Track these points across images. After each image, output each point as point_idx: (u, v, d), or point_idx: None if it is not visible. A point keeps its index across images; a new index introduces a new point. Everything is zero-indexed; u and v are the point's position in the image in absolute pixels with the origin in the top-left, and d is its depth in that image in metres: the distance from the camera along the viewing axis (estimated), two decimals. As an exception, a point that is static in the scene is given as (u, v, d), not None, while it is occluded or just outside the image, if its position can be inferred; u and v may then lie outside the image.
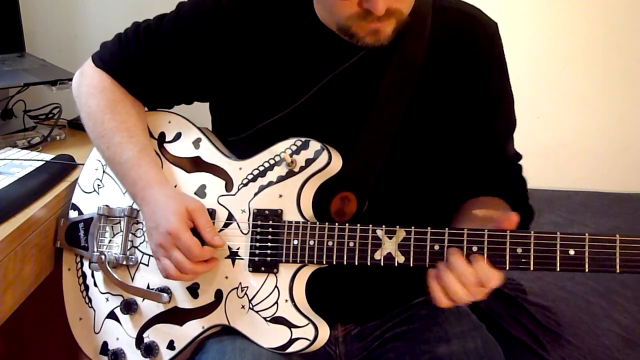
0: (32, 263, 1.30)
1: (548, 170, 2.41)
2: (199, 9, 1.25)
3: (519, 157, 1.34)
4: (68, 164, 1.49)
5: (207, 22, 1.23)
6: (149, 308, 1.26)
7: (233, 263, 1.20)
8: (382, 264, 1.11)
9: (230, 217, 1.21)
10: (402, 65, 1.20)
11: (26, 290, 1.30)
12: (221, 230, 1.21)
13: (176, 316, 1.23)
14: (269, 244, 1.17)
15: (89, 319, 1.32)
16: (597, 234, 1.02)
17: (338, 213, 1.20)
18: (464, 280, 1.05)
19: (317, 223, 1.14)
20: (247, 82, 1.24)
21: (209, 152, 1.26)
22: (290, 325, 1.14)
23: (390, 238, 1.10)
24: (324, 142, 1.16)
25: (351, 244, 1.12)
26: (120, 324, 1.29)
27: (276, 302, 1.16)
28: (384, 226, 1.11)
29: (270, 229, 1.17)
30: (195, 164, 1.27)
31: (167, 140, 1.30)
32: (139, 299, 1.27)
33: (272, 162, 1.19)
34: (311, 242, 1.14)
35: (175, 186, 1.26)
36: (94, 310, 1.32)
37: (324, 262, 1.14)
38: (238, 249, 1.20)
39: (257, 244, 1.18)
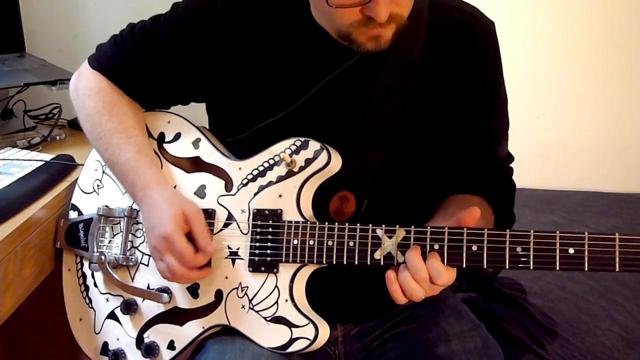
0: (32, 263, 1.30)
1: (548, 170, 2.41)
2: (194, 9, 1.25)
3: (511, 159, 1.34)
4: (68, 164, 1.49)
5: (202, 22, 1.23)
6: (149, 308, 1.26)
7: (233, 263, 1.20)
8: (382, 264, 1.11)
9: (230, 217, 1.21)
10: (398, 64, 1.20)
11: (26, 290, 1.30)
12: (221, 230, 1.21)
13: (176, 316, 1.23)
14: (269, 244, 1.17)
15: (89, 320, 1.32)
16: (597, 233, 1.02)
17: (337, 213, 1.20)
18: (417, 277, 1.06)
19: (317, 223, 1.14)
20: (242, 83, 1.24)
21: (209, 152, 1.26)
22: (290, 325, 1.14)
23: (390, 237, 1.10)
24: (323, 142, 1.16)
25: (351, 244, 1.12)
26: (121, 324, 1.29)
27: (276, 302, 1.16)
28: (383, 226, 1.11)
29: (270, 229, 1.17)
30: (195, 164, 1.27)
31: (166, 140, 1.30)
32: (139, 299, 1.27)
33: (271, 162, 1.19)
34: (311, 242, 1.14)
35: (175, 186, 1.26)
36: (94, 311, 1.32)
37: (324, 262, 1.14)
38: (238, 249, 1.20)
39: (257, 244, 1.18)
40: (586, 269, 1.02)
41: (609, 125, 2.36)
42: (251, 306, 1.17)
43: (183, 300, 1.23)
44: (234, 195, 1.21)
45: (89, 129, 1.29)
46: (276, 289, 1.16)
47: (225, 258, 1.20)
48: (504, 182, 1.33)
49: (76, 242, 1.34)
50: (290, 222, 1.16)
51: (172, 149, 1.29)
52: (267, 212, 1.18)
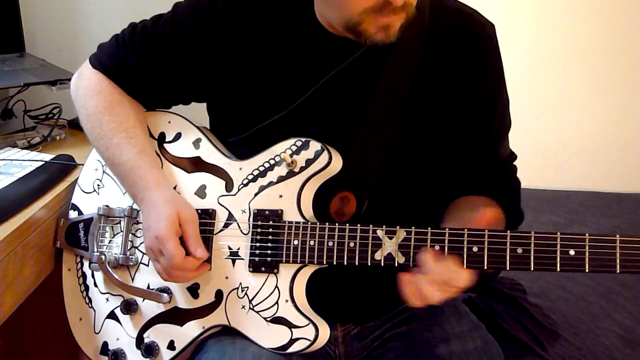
0: (32, 263, 1.30)
1: (548, 170, 2.41)
2: (195, 9, 1.25)
3: (514, 157, 1.34)
4: (68, 164, 1.49)
5: (203, 22, 1.23)
6: (149, 308, 1.26)
7: (233, 263, 1.20)
8: (382, 264, 1.11)
9: (231, 217, 1.21)
10: (399, 64, 1.20)
11: (26, 290, 1.30)
12: (221, 230, 1.21)
13: (176, 316, 1.23)
14: (269, 244, 1.17)
15: (89, 319, 1.32)
16: (597, 234, 1.02)
17: (337, 213, 1.20)
18: (434, 279, 1.05)
19: (318, 223, 1.14)
20: (243, 83, 1.24)
21: (209, 152, 1.26)
22: (290, 326, 1.14)
23: (390, 238, 1.10)
24: (323, 142, 1.16)
25: (351, 244, 1.12)
26: (121, 324, 1.29)
27: (276, 302, 1.16)
28: (384, 226, 1.11)
29: (270, 229, 1.17)
30: (196, 164, 1.27)
31: (167, 140, 1.30)
32: (139, 299, 1.27)
33: (272, 162, 1.19)
34: (311, 243, 1.14)
35: (175, 186, 1.26)
36: (94, 311, 1.32)
37: (324, 263, 1.14)
38: (238, 249, 1.20)
39: (258, 244, 1.18)
40: (587, 270, 1.02)
41: (609, 125, 2.36)
42: (251, 306, 1.17)
43: (183, 300, 1.23)
44: (234, 195, 1.21)
45: (89, 129, 1.29)
46: (276, 289, 1.16)
47: (226, 258, 1.20)
48: (509, 181, 1.32)
49: (76, 242, 1.34)
50: (291, 222, 1.16)
51: (173, 148, 1.29)
52: (267, 212, 1.18)
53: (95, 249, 1.30)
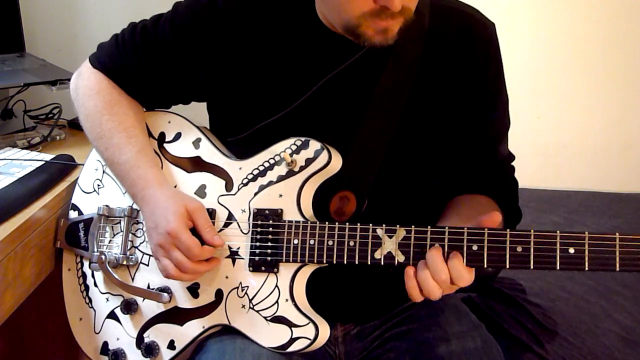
0: (32, 263, 1.30)
1: (548, 170, 2.41)
2: (195, 8, 1.25)
3: (512, 158, 1.34)
4: (68, 164, 1.49)
5: (203, 21, 1.23)
6: (150, 308, 1.26)
7: (233, 263, 1.20)
8: (382, 263, 1.11)
9: (231, 216, 1.21)
10: (399, 64, 1.20)
11: (26, 290, 1.30)
12: (221, 230, 1.21)
13: (176, 316, 1.23)
14: (269, 244, 1.17)
15: (89, 319, 1.32)
16: (597, 232, 1.02)
17: (337, 212, 1.20)
18: (437, 277, 1.06)
19: (317, 222, 1.14)
20: (243, 82, 1.24)
21: (209, 152, 1.26)
22: (290, 325, 1.14)
23: (390, 237, 1.10)
24: (323, 142, 1.16)
25: (351, 244, 1.12)
26: (121, 324, 1.29)
27: (276, 302, 1.16)
28: (384, 225, 1.11)
29: (270, 229, 1.17)
30: (195, 164, 1.27)
31: (167, 140, 1.30)
32: (139, 299, 1.27)
33: (272, 161, 1.19)
34: (311, 242, 1.14)
35: (175, 186, 1.26)
36: (94, 311, 1.32)
37: (324, 262, 1.14)
38: (238, 248, 1.20)
39: (258, 244, 1.18)
40: (586, 268, 1.02)
41: (609, 125, 2.36)
42: (251, 306, 1.17)
43: (183, 300, 1.23)
44: (234, 195, 1.21)
45: (89, 129, 1.29)
46: (276, 288, 1.16)
47: (226, 258, 1.20)
48: (508, 180, 1.33)
49: (76, 242, 1.34)
50: (291, 221, 1.16)
51: (173, 148, 1.29)
52: (267, 211, 1.18)
53: (96, 249, 1.30)
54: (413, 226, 1.09)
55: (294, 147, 1.17)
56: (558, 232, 1.04)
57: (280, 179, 1.18)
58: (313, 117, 1.21)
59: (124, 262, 1.28)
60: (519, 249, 1.05)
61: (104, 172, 1.35)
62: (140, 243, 1.28)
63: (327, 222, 1.14)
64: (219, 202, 1.22)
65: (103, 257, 1.27)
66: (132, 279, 1.28)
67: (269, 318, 1.16)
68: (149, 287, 1.26)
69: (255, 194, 1.19)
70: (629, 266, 1.00)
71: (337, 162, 1.16)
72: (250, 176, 1.20)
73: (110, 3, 2.14)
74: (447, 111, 1.23)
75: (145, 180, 1.22)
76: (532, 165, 2.39)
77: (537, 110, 2.35)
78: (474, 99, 1.23)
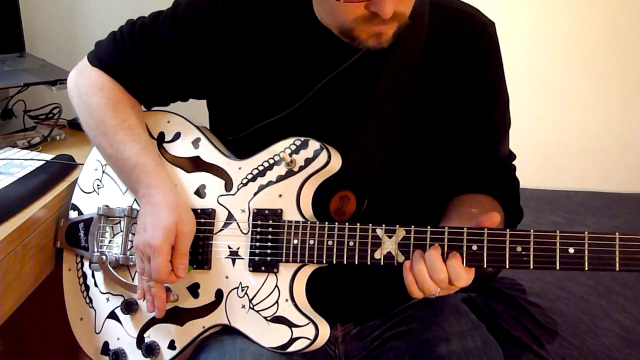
0: (32, 263, 1.30)
1: (548, 170, 2.41)
2: (195, 7, 1.25)
3: (513, 157, 1.34)
4: (68, 164, 1.49)
5: (203, 20, 1.23)
6: (150, 308, 1.26)
7: (233, 263, 1.20)
8: (382, 263, 1.11)
9: (230, 216, 1.21)
10: (399, 64, 1.20)
11: (26, 290, 1.30)
12: (221, 230, 1.21)
13: (177, 316, 1.23)
14: (269, 244, 1.17)
15: (89, 319, 1.32)
16: (597, 232, 1.02)
17: (337, 212, 1.20)
18: (435, 277, 1.06)
19: (317, 222, 1.14)
20: (243, 82, 1.24)
21: (209, 152, 1.26)
22: (290, 325, 1.14)
23: (390, 237, 1.10)
24: (323, 141, 1.16)
25: (351, 244, 1.12)
26: (121, 324, 1.29)
27: (276, 302, 1.16)
28: (383, 225, 1.11)
29: (270, 229, 1.17)
30: (195, 164, 1.27)
31: (166, 140, 1.30)
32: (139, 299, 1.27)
33: (271, 161, 1.19)
34: (311, 242, 1.14)
35: (175, 186, 1.26)
36: (95, 311, 1.32)
37: (324, 262, 1.14)
38: (238, 248, 1.20)
39: (257, 244, 1.18)
40: (586, 268, 1.02)
41: (609, 125, 2.36)
42: (251, 306, 1.17)
43: (183, 300, 1.23)
44: (234, 195, 1.21)
45: (92, 126, 1.28)
46: (276, 288, 1.16)
47: (226, 258, 1.20)
48: (509, 179, 1.33)
49: (76, 242, 1.34)
50: (291, 221, 1.16)
51: (172, 148, 1.29)
52: (267, 211, 1.18)
53: (96, 249, 1.30)
54: (413, 226, 1.10)
55: (293, 147, 1.17)
56: (558, 232, 1.04)
57: (280, 178, 1.18)
58: (313, 118, 1.21)
59: (124, 262, 1.28)
60: (519, 249, 1.05)
61: (103, 172, 1.35)
62: (140, 243, 1.28)
63: (326, 222, 1.14)
64: (218, 202, 1.22)
65: (104, 257, 1.27)
66: (132, 279, 1.28)
67: (269, 318, 1.16)
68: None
69: (255, 194, 1.19)
70: (628, 266, 1.01)
71: (336, 162, 1.16)
72: (250, 176, 1.20)
73: (110, 3, 2.14)
74: (447, 111, 1.23)
75: (149, 178, 1.21)
76: (532, 165, 2.39)
77: (537, 110, 2.35)
78: (474, 98, 1.23)
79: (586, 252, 1.02)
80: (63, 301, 1.36)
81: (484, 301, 1.67)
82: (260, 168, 1.20)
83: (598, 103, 2.34)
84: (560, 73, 2.32)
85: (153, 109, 1.35)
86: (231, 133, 1.27)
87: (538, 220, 2.09)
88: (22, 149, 1.60)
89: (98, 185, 1.35)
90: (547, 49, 2.30)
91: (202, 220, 1.21)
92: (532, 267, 1.04)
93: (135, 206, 1.29)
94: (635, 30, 2.27)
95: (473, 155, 1.27)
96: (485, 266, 1.06)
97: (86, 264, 1.33)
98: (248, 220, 1.19)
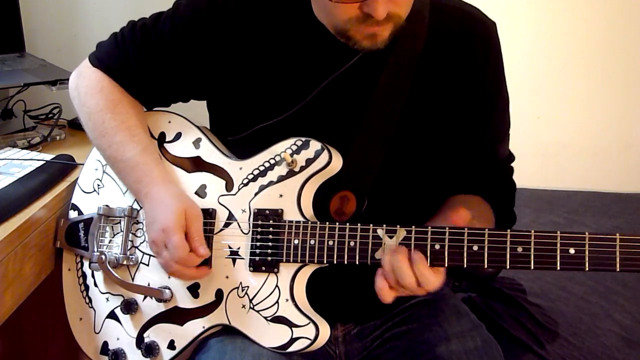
0: (32, 263, 1.30)
1: (548, 170, 2.41)
2: (196, 7, 1.25)
3: (512, 158, 1.34)
4: (68, 164, 1.49)
5: (204, 20, 1.23)
6: (150, 308, 1.26)
7: (233, 263, 1.20)
8: (382, 264, 1.11)
9: (231, 216, 1.21)
10: (399, 64, 1.20)
11: (26, 290, 1.30)
12: (221, 230, 1.21)
13: (177, 316, 1.23)
14: (270, 244, 1.17)
15: (89, 319, 1.32)
16: (597, 233, 1.02)
17: (337, 212, 1.20)
18: (404, 282, 1.06)
19: (318, 223, 1.14)
20: (244, 83, 1.24)
21: (209, 152, 1.26)
22: (291, 325, 1.14)
23: (391, 237, 1.10)
24: (323, 142, 1.16)
25: (352, 244, 1.12)
26: (121, 323, 1.28)
27: (277, 302, 1.16)
28: (384, 225, 1.11)
29: (270, 229, 1.17)
30: (196, 164, 1.27)
31: (167, 140, 1.30)
32: (139, 299, 1.27)
33: (272, 161, 1.19)
34: (312, 242, 1.14)
35: (176, 185, 1.26)
36: (94, 310, 1.32)
37: (325, 262, 1.14)
38: (238, 248, 1.20)
39: (258, 244, 1.18)
40: (587, 268, 1.02)
41: (609, 125, 2.36)
42: (252, 306, 1.17)
43: (183, 300, 1.23)
44: (234, 195, 1.21)
45: (91, 127, 1.29)
46: (277, 288, 1.16)
47: (226, 258, 1.20)
48: (504, 182, 1.33)
49: (76, 242, 1.34)
50: (291, 221, 1.16)
51: (173, 148, 1.29)
52: (267, 211, 1.18)
53: (96, 249, 1.30)
54: (413, 226, 1.09)
55: (294, 147, 1.17)
56: (558, 232, 1.04)
57: (281, 179, 1.18)
58: (314, 119, 1.21)
59: (124, 262, 1.28)
60: (520, 249, 1.05)
61: (104, 172, 1.35)
62: (141, 243, 1.28)
63: (327, 222, 1.14)
64: (219, 202, 1.22)
65: (103, 256, 1.27)
66: (132, 279, 1.28)
67: (269, 318, 1.16)
68: (149, 286, 1.26)
69: (256, 194, 1.19)
70: (629, 266, 1.01)
71: (337, 162, 1.16)
72: (251, 176, 1.20)
73: (110, 3, 2.14)
74: (447, 111, 1.23)
75: (151, 177, 1.22)
76: (532, 165, 2.39)
77: (537, 110, 2.35)
78: (473, 98, 1.23)
79: (587, 253, 1.02)
80: (63, 301, 1.36)
81: (484, 301, 1.67)
82: (261, 168, 1.20)
83: (598, 103, 2.34)
84: (560, 73, 2.32)
85: (154, 109, 1.35)
86: (231, 134, 1.27)
87: (538, 220, 2.09)
88: (22, 149, 1.60)
89: (98, 185, 1.35)
90: (547, 49, 2.30)
91: (203, 220, 1.21)
92: (532, 268, 1.04)
93: (135, 206, 1.29)
94: (635, 30, 2.27)
95: (472, 155, 1.27)
96: (485, 266, 1.06)
97: (86, 263, 1.33)
98: (249, 220, 1.19)
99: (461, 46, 1.21)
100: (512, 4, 2.26)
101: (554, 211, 2.16)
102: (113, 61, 1.30)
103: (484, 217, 1.24)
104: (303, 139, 1.16)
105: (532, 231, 1.05)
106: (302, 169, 1.16)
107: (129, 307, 1.27)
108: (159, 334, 1.25)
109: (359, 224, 1.12)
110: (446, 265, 1.07)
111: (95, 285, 1.32)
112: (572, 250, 1.03)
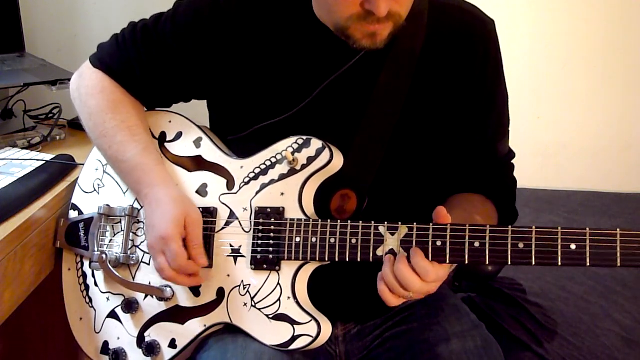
0: (32, 263, 1.30)
1: (548, 170, 2.42)
2: (197, 7, 1.25)
3: (512, 155, 1.34)
4: (68, 164, 1.49)
5: (205, 20, 1.23)
6: (151, 307, 1.26)
7: (235, 261, 1.20)
8: (384, 261, 1.10)
9: (232, 215, 1.21)
10: (399, 63, 1.20)
11: (26, 290, 1.30)
12: (223, 228, 1.21)
13: (178, 315, 1.23)
14: (271, 242, 1.17)
15: (89, 319, 1.32)
16: (598, 228, 1.03)
17: (338, 211, 1.20)
18: (413, 289, 1.06)
19: (319, 220, 1.14)
20: (245, 83, 1.24)
21: (210, 151, 1.26)
22: (292, 322, 1.14)
23: (392, 234, 1.10)
24: (324, 140, 1.16)
25: (353, 241, 1.12)
26: (121, 323, 1.28)
27: (279, 300, 1.16)
28: (386, 223, 1.11)
29: (272, 227, 1.17)
30: (197, 163, 1.27)
31: (168, 139, 1.30)
32: (140, 298, 1.27)
33: (273, 160, 1.19)
34: (313, 240, 1.14)
35: (177, 185, 1.26)
36: (95, 310, 1.31)
37: (326, 259, 1.14)
38: (240, 247, 1.20)
39: (259, 242, 1.18)
40: (588, 264, 1.02)
41: (609, 125, 2.36)
42: (253, 304, 1.17)
43: (184, 299, 1.23)
44: (235, 193, 1.21)
45: (91, 127, 1.29)
46: (278, 286, 1.16)
47: (227, 256, 1.20)
48: (505, 179, 1.33)
49: (76, 242, 1.34)
50: (293, 219, 1.16)
51: (174, 148, 1.29)
52: (269, 210, 1.18)
53: (96, 249, 1.30)
54: (415, 223, 1.09)
55: (295, 146, 1.17)
56: (559, 228, 1.05)
57: (282, 177, 1.18)
58: (314, 118, 1.21)
59: (125, 262, 1.28)
60: (521, 245, 1.05)
61: (104, 171, 1.35)
62: (141, 242, 1.28)
63: (329, 220, 1.14)
64: (220, 201, 1.22)
65: (104, 256, 1.26)
66: (133, 278, 1.28)
67: (271, 316, 1.16)
68: (150, 285, 1.26)
69: (257, 192, 1.19)
70: (629, 262, 1.01)
71: (338, 161, 1.16)
72: (252, 175, 1.20)
73: (110, 3, 2.14)
74: (447, 109, 1.23)
75: (151, 178, 1.22)
76: (532, 165, 2.39)
77: (537, 110, 2.35)
78: (473, 97, 1.23)
79: (588, 248, 1.03)
80: (63, 301, 1.36)
81: (484, 301, 1.67)
82: (262, 167, 1.20)
83: (598, 103, 2.35)
84: (560, 73, 2.32)
85: (155, 109, 1.35)
86: (232, 133, 1.28)
87: (538, 220, 2.08)
88: (22, 149, 1.60)
89: (99, 184, 1.35)
90: (547, 49, 2.31)
91: (204, 219, 1.21)
92: (534, 264, 1.04)
93: (136, 205, 1.29)
94: (635, 30, 2.27)
95: (472, 153, 1.27)
96: (487, 262, 1.06)
97: (86, 263, 1.33)
98: (250, 219, 1.19)
99: (460, 45, 1.22)
100: (512, 4, 2.26)
101: (554, 211, 2.16)
102: (114, 62, 1.30)
103: (487, 215, 1.24)
104: (304, 137, 1.17)
105: (534, 227, 1.05)
106: (304, 167, 1.16)
107: (130, 306, 1.27)
108: (160, 333, 1.24)
109: (360, 222, 1.12)
110: (448, 261, 1.07)
111: (96, 284, 1.32)
112: (573, 246, 1.03)
